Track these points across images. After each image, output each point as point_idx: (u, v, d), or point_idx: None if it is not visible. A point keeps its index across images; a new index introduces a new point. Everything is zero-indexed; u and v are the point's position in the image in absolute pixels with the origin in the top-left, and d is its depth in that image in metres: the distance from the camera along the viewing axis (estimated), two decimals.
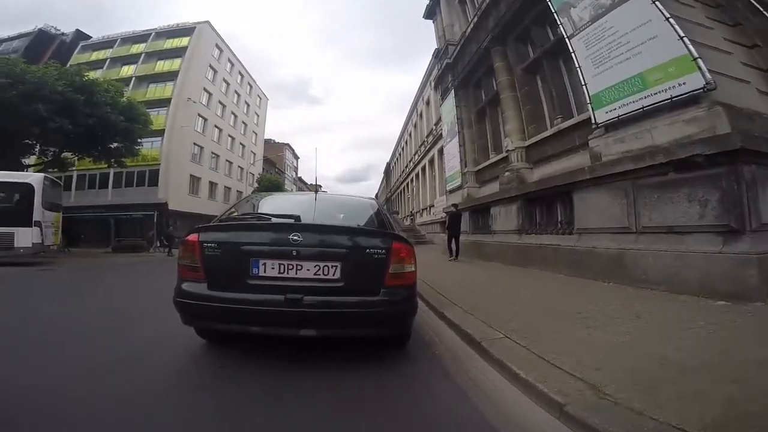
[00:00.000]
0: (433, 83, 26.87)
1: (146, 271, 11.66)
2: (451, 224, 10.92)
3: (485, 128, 13.23)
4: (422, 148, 30.16)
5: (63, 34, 37.92)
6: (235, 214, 3.55)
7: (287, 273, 2.56)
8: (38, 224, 11.88)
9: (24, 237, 11.58)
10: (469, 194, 12.59)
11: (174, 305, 2.68)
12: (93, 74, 27.79)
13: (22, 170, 20.85)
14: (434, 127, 25.88)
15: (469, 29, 12.75)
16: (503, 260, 8.92)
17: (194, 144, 31.95)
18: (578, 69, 6.77)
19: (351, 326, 2.65)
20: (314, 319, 2.55)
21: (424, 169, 29.84)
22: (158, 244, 20.76)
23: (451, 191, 14.56)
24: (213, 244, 2.63)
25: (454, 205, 11.93)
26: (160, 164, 27.33)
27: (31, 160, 22.01)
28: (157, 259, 16.87)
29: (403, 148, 42.39)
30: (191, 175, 31.25)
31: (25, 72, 15.38)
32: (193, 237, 2.67)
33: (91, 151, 19.88)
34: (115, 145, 19.90)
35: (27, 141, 18.44)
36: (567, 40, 7.02)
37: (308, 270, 2.57)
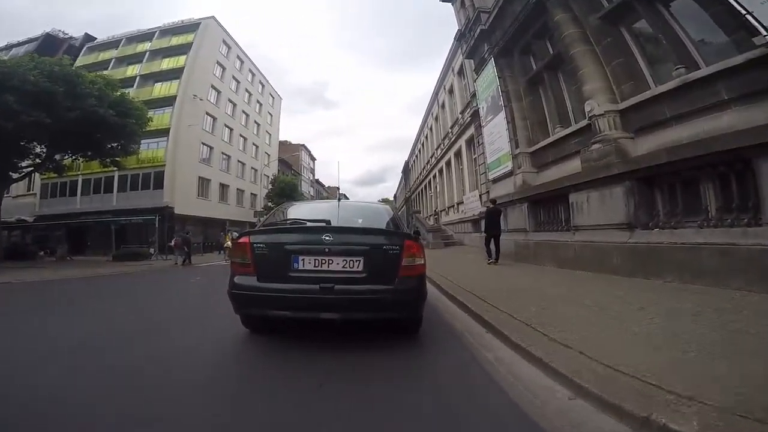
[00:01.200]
0: (455, 69, 24.47)
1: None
2: (490, 222, 9.30)
3: (540, 99, 10.57)
4: (446, 141, 27.60)
5: (71, 38, 36.84)
6: (273, 220, 4.06)
7: (321, 266, 3.03)
8: None
9: None
10: (525, 181, 9.89)
11: (229, 296, 3.16)
12: (93, 75, 26.56)
13: (15, 172, 19.21)
14: (460, 116, 23.37)
15: None
16: (598, 267, 6.23)
17: (203, 144, 30.02)
18: None
19: (372, 310, 3.10)
20: (343, 304, 3.01)
21: (449, 163, 27.19)
22: (154, 251, 18.49)
23: (497, 180, 11.87)
24: (261, 245, 3.13)
25: (491, 200, 10.30)
26: (165, 166, 25.42)
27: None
28: (151, 270, 14.38)
29: (423, 144, 39.83)
30: (200, 177, 29.23)
31: None
32: (244, 239, 3.23)
33: (84, 151, 18.00)
34: (112, 144, 17.95)
35: (22, 143, 16.76)
36: None
37: (337, 264, 3.04)
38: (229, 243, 24.38)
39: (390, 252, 3.09)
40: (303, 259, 3.03)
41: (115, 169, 26.12)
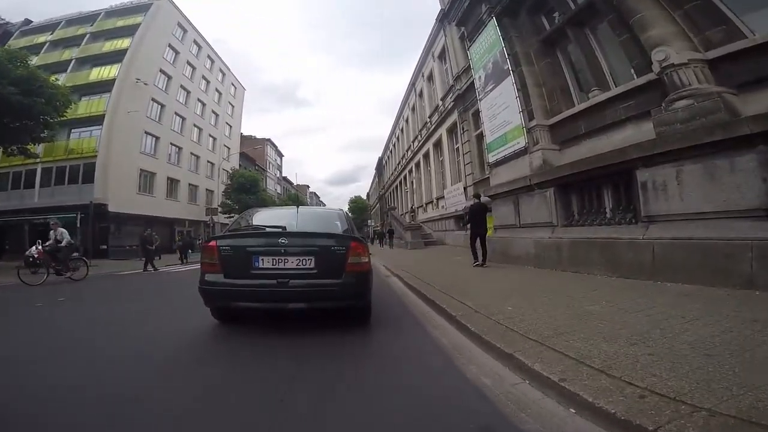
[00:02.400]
0: (436, 53, 22.53)
1: None
2: (475, 220, 8.35)
3: (559, 62, 8.48)
4: (423, 132, 25.58)
5: (7, 23, 32.32)
6: (238, 225, 4.48)
7: (277, 265, 3.49)
8: None
9: None
10: (546, 160, 7.67)
11: (199, 292, 3.59)
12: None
13: None
14: (440, 103, 21.48)
15: None
16: (706, 277, 4.03)
17: (146, 133, 25.96)
18: None
19: (323, 300, 3.55)
20: (297, 296, 3.49)
21: (427, 155, 25.12)
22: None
23: (501, 162, 9.58)
24: (227, 247, 3.58)
25: (475, 194, 9.27)
26: (96, 156, 21.51)
27: None
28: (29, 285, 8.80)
29: (398, 138, 37.66)
30: (142, 170, 25.21)
31: None
32: (212, 243, 3.66)
33: None
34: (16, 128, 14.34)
35: None
36: None
37: (292, 262, 3.51)
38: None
39: (337, 252, 3.55)
40: (262, 259, 3.49)
41: (17, 154, 22.16)
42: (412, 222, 23.21)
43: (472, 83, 15.32)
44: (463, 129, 17.29)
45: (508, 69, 9.01)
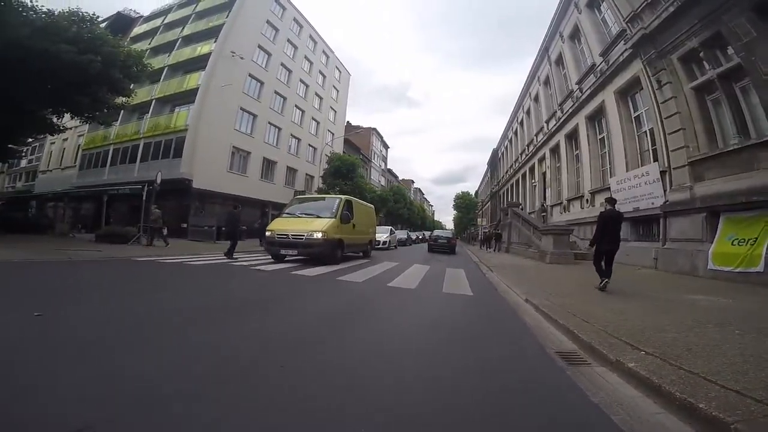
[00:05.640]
0: (581, 3, 16.20)
1: None
2: (610, 231, 6.27)
3: None
4: (567, 105, 19.04)
5: (141, 16, 35.03)
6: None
7: None
8: None
9: None
10: None
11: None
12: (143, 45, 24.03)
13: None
14: (597, 62, 15.13)
15: None
16: None
17: (242, 110, 24.26)
18: None
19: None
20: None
21: (572, 135, 18.53)
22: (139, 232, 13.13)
23: None
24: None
25: (607, 199, 6.92)
26: (186, 131, 20.15)
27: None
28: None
29: (521, 123, 31.03)
30: (235, 148, 23.49)
31: None
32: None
33: (49, 101, 13.11)
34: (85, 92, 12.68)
35: None
36: None
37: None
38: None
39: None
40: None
41: (140, 135, 22.07)
42: (552, 225, 16.81)
43: (675, 12, 9.17)
44: (658, 84, 10.72)
45: None
